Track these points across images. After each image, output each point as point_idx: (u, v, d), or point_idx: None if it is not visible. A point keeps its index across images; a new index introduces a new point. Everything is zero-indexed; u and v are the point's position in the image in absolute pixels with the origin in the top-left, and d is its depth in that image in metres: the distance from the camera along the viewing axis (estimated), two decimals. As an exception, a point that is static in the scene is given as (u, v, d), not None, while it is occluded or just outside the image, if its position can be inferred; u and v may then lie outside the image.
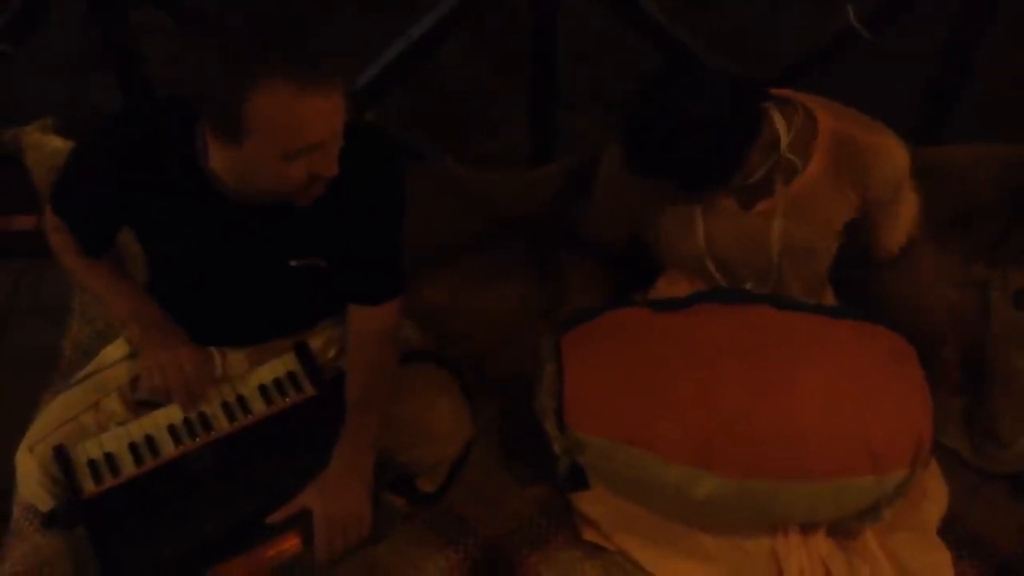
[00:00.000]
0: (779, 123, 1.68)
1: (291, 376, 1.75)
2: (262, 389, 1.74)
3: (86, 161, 1.64)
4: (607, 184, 1.89)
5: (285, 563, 1.58)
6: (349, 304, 1.72)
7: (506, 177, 2.14)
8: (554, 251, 2.10)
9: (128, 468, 1.64)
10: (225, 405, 1.72)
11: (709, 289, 1.82)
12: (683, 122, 1.55)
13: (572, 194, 2.04)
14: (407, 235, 1.69)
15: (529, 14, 2.18)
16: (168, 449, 1.67)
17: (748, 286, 1.82)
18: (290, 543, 1.58)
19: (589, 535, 1.77)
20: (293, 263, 1.64)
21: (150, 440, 1.67)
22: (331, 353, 1.84)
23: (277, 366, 1.76)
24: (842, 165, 1.71)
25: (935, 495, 1.80)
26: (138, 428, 1.68)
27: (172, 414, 1.70)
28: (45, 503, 1.66)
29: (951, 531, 1.78)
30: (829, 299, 1.91)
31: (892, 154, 1.72)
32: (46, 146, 2.03)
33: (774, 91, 1.73)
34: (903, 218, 1.79)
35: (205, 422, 1.70)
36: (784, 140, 1.68)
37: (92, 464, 1.64)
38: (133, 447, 1.66)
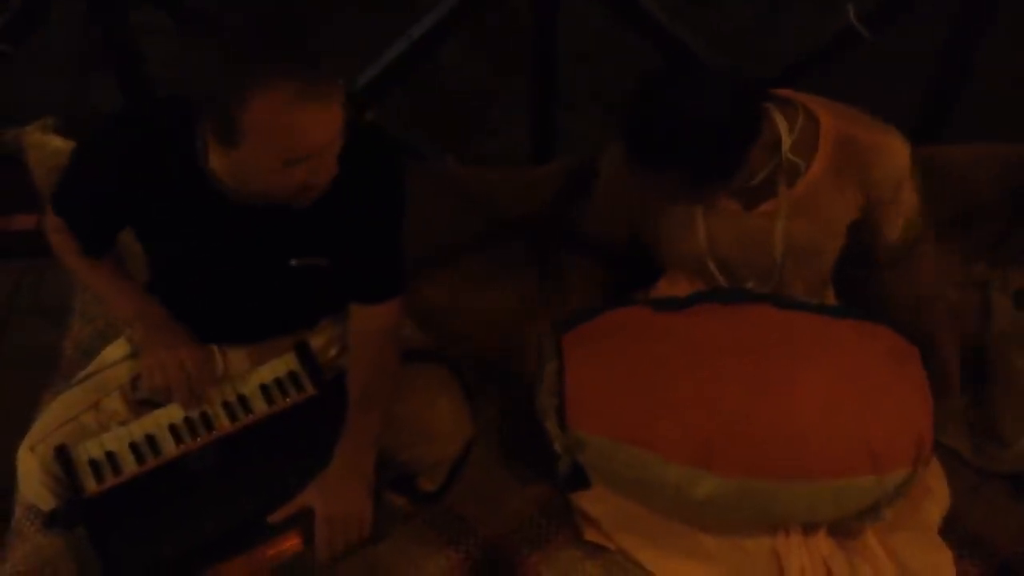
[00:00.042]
0: (781, 124, 1.68)
1: (292, 375, 1.75)
2: (263, 388, 1.74)
3: (86, 161, 1.65)
4: (607, 184, 1.89)
5: (286, 562, 1.58)
6: (350, 303, 1.72)
7: (506, 177, 2.14)
8: (554, 251, 2.10)
9: (129, 467, 1.65)
10: (226, 404, 1.72)
11: (709, 288, 1.82)
12: (683, 122, 1.55)
13: (572, 194, 2.04)
14: (407, 235, 1.69)
15: (529, 14, 2.18)
16: (169, 448, 1.67)
17: (749, 286, 1.82)
18: (291, 542, 1.58)
19: (589, 534, 1.78)
20: (293, 262, 1.64)
21: (151, 439, 1.67)
22: (332, 352, 1.84)
23: (278, 365, 1.76)
24: (845, 165, 1.71)
25: (936, 495, 1.80)
26: (139, 427, 1.68)
27: (173, 413, 1.70)
28: (46, 503, 1.66)
29: (952, 531, 1.78)
30: (830, 299, 1.91)
31: (894, 153, 1.72)
32: (47, 146, 2.03)
33: (774, 91, 1.73)
34: (906, 211, 1.79)
35: (206, 421, 1.70)
36: (786, 141, 1.68)
37: (93, 463, 1.64)
38: (134, 446, 1.66)
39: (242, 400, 1.73)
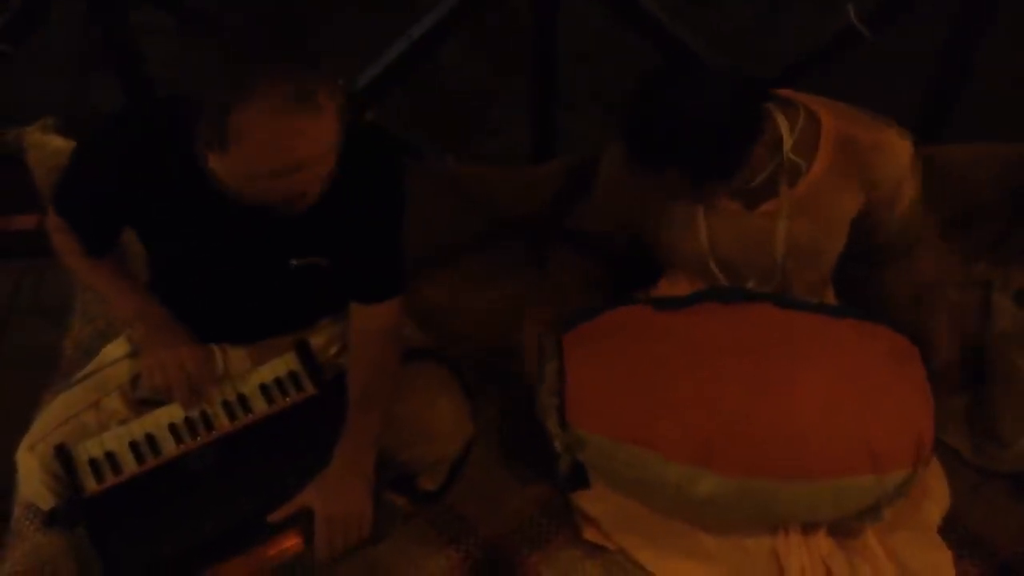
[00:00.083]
0: (782, 124, 1.68)
1: (292, 375, 1.75)
2: (263, 388, 1.74)
3: (86, 161, 1.64)
4: (606, 184, 1.89)
5: (286, 562, 1.58)
6: (351, 303, 1.72)
7: (506, 176, 2.14)
8: (550, 249, 2.10)
9: (129, 467, 1.65)
10: (226, 404, 1.72)
11: (710, 288, 1.82)
12: (683, 121, 1.55)
13: (572, 193, 2.04)
14: (407, 235, 1.69)
15: (529, 14, 2.18)
16: (169, 448, 1.67)
17: (750, 286, 1.82)
18: (291, 542, 1.58)
19: (589, 534, 1.78)
20: (293, 262, 1.64)
21: (151, 439, 1.67)
22: (332, 351, 1.84)
23: (278, 365, 1.76)
24: (846, 165, 1.71)
25: (936, 494, 1.80)
26: (139, 427, 1.68)
27: (173, 413, 1.70)
28: (46, 502, 1.66)
29: (952, 530, 1.78)
30: (830, 299, 1.91)
31: (896, 152, 1.71)
32: (47, 146, 2.03)
33: (775, 91, 1.73)
34: (906, 205, 1.78)
35: (206, 421, 1.70)
36: (787, 142, 1.68)
37: (93, 463, 1.64)
38: (134, 446, 1.66)
39: (242, 400, 1.73)
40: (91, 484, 1.62)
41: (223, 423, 1.70)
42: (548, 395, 1.76)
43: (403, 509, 1.79)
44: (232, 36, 1.38)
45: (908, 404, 1.69)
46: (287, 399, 1.73)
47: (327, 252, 1.66)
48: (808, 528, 1.74)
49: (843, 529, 1.74)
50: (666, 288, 1.90)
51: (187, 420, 1.70)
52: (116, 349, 1.82)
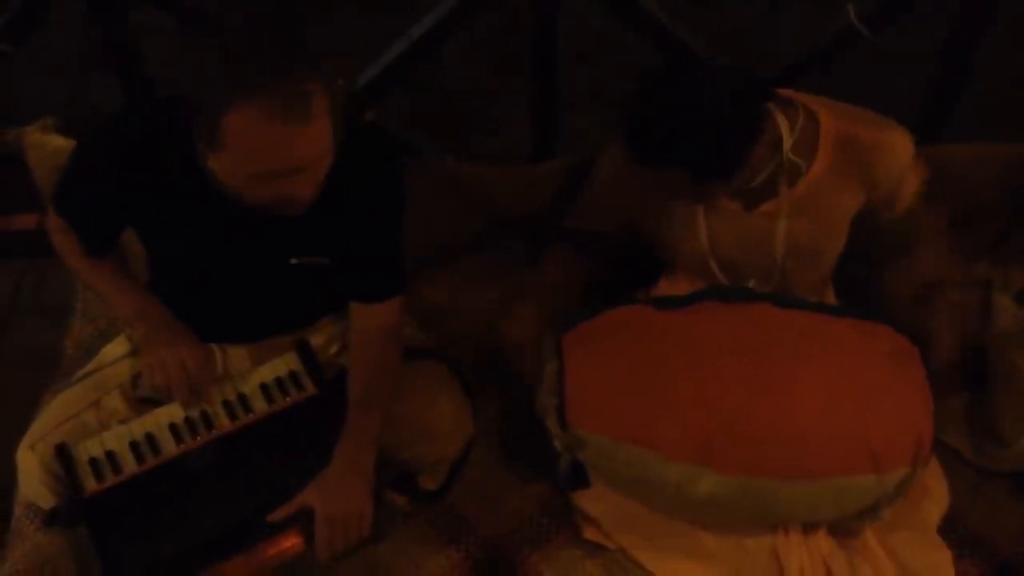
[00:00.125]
0: (782, 124, 1.68)
1: (292, 375, 1.75)
2: (263, 388, 1.74)
3: (86, 161, 1.65)
4: (605, 183, 1.89)
5: (287, 562, 1.58)
6: (351, 302, 1.72)
7: (506, 176, 2.14)
8: (553, 250, 2.10)
9: (129, 466, 1.65)
10: (226, 403, 1.72)
11: (710, 287, 1.82)
12: (683, 120, 1.55)
13: (572, 193, 2.04)
14: (407, 235, 1.69)
15: (529, 14, 2.18)
16: (169, 447, 1.67)
17: (750, 285, 1.82)
18: (291, 542, 1.58)
19: (589, 533, 1.78)
20: (293, 261, 1.65)
21: (151, 438, 1.67)
22: (332, 350, 1.84)
23: (278, 365, 1.76)
24: (846, 164, 1.71)
25: (936, 494, 1.80)
26: (139, 426, 1.68)
27: (173, 412, 1.70)
28: (46, 501, 1.67)
29: (952, 530, 1.78)
30: (830, 298, 1.91)
31: (897, 151, 1.71)
32: (47, 146, 2.03)
33: (775, 91, 1.73)
34: (908, 199, 1.78)
35: (206, 420, 1.70)
36: (787, 142, 1.68)
37: (93, 462, 1.64)
38: (134, 445, 1.66)
39: (242, 399, 1.73)
40: (91, 484, 1.62)
41: (223, 423, 1.70)
42: (548, 395, 1.76)
43: (403, 509, 1.79)
44: (232, 36, 1.38)
45: (908, 404, 1.69)
46: (287, 399, 1.73)
47: (327, 252, 1.66)
48: (808, 528, 1.74)
49: (843, 529, 1.74)
50: (666, 288, 1.90)
51: (187, 420, 1.70)
52: (116, 348, 1.82)
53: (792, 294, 1.82)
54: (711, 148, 1.57)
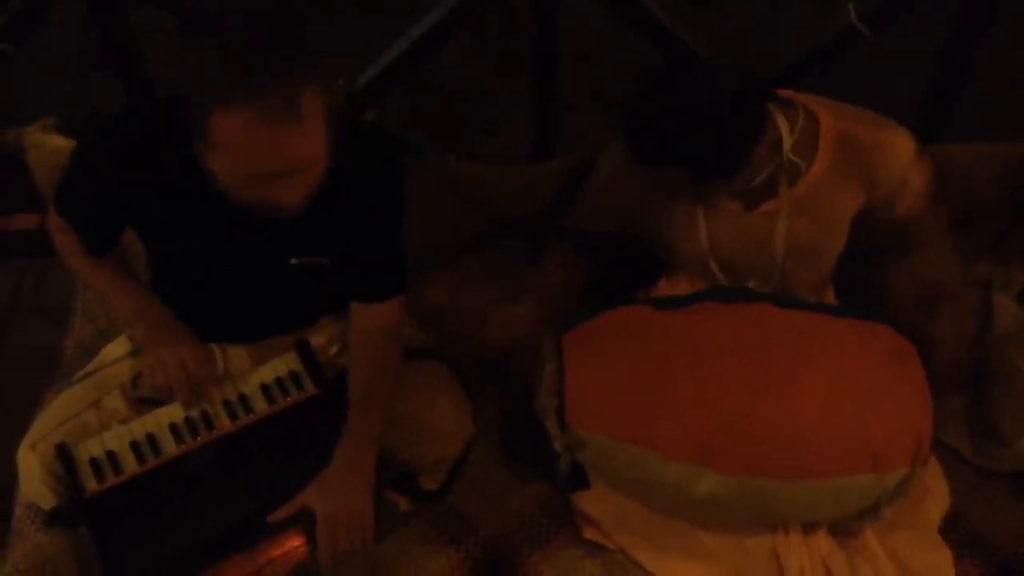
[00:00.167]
0: (782, 125, 1.68)
1: (293, 375, 1.75)
2: (264, 388, 1.74)
3: (87, 161, 1.64)
4: (604, 183, 1.89)
5: (290, 568, 1.58)
6: (351, 302, 1.72)
7: (506, 176, 2.14)
8: (553, 250, 2.10)
9: (130, 466, 1.65)
10: (227, 404, 1.72)
11: (710, 287, 1.82)
12: (684, 120, 1.55)
13: (572, 193, 2.04)
14: (407, 235, 1.69)
15: (529, 14, 2.18)
16: (170, 448, 1.67)
17: (750, 285, 1.82)
18: (292, 542, 1.58)
19: (589, 533, 1.78)
20: (294, 261, 1.65)
21: (152, 439, 1.67)
22: (333, 350, 1.84)
23: (279, 365, 1.76)
24: (846, 164, 1.71)
25: (936, 494, 1.80)
26: (140, 426, 1.68)
27: (174, 412, 1.70)
28: (47, 501, 1.67)
29: (952, 530, 1.78)
30: (830, 298, 1.91)
31: (897, 151, 1.71)
32: (48, 145, 2.03)
33: (775, 92, 1.73)
34: (910, 197, 1.78)
35: (207, 420, 1.70)
36: (787, 142, 1.68)
37: (94, 462, 1.64)
38: (135, 445, 1.66)
39: (243, 399, 1.73)
40: (92, 484, 1.62)
41: (224, 423, 1.70)
42: (547, 396, 1.76)
43: (404, 508, 1.79)
44: (227, 36, 1.38)
45: (908, 404, 1.69)
46: (288, 399, 1.73)
47: (327, 252, 1.66)
48: (808, 528, 1.74)
49: (843, 529, 1.74)
50: (666, 288, 1.90)
51: (188, 420, 1.70)
52: (117, 348, 1.82)
53: (792, 294, 1.82)
54: (711, 148, 1.57)
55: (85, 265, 1.76)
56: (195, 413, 1.70)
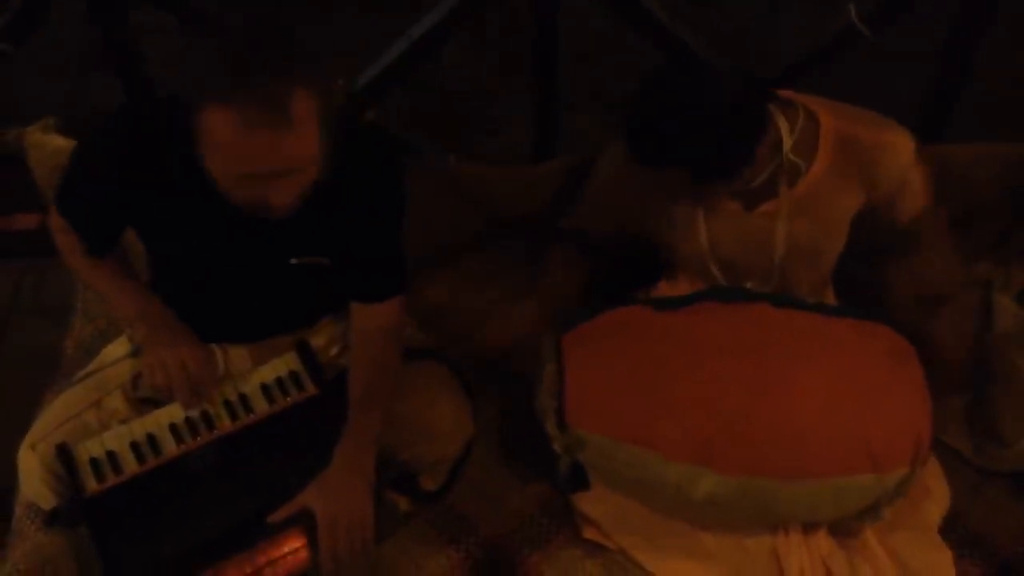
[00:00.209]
0: (782, 125, 1.68)
1: (293, 375, 1.75)
2: (264, 388, 1.74)
3: (87, 161, 1.64)
4: (604, 183, 1.89)
5: (290, 569, 1.58)
6: (352, 302, 1.72)
7: (506, 176, 2.14)
8: (553, 250, 2.10)
9: (130, 467, 1.64)
10: (227, 404, 1.72)
11: (710, 288, 1.82)
12: (684, 120, 1.55)
13: (572, 193, 2.04)
14: (407, 235, 1.70)
15: (529, 14, 2.18)
16: (170, 448, 1.67)
17: (750, 286, 1.82)
18: (292, 543, 1.58)
19: (589, 533, 1.78)
20: (294, 261, 1.65)
21: (152, 439, 1.67)
22: (333, 351, 1.84)
23: (279, 365, 1.76)
24: (846, 164, 1.71)
25: (936, 494, 1.80)
26: (140, 427, 1.68)
27: (174, 413, 1.70)
28: (47, 501, 1.67)
29: (952, 530, 1.78)
30: (830, 299, 1.91)
31: (897, 151, 1.71)
32: (48, 145, 2.04)
33: (775, 92, 1.73)
34: (912, 196, 1.78)
35: (207, 421, 1.70)
36: (787, 142, 1.68)
37: (94, 462, 1.64)
38: (135, 446, 1.66)
39: (243, 399, 1.73)
40: (92, 484, 1.62)
41: (224, 423, 1.70)
42: (547, 396, 1.76)
43: (404, 508, 1.79)
44: (225, 36, 1.38)
45: (907, 404, 1.70)
46: (288, 399, 1.73)
47: (328, 252, 1.66)
48: (808, 528, 1.74)
49: (843, 529, 1.74)
50: (666, 288, 1.90)
51: (188, 420, 1.69)
52: (117, 348, 1.82)
53: (792, 294, 1.82)
54: (711, 148, 1.57)
55: (85, 265, 1.76)
56: (195, 413, 1.70)
